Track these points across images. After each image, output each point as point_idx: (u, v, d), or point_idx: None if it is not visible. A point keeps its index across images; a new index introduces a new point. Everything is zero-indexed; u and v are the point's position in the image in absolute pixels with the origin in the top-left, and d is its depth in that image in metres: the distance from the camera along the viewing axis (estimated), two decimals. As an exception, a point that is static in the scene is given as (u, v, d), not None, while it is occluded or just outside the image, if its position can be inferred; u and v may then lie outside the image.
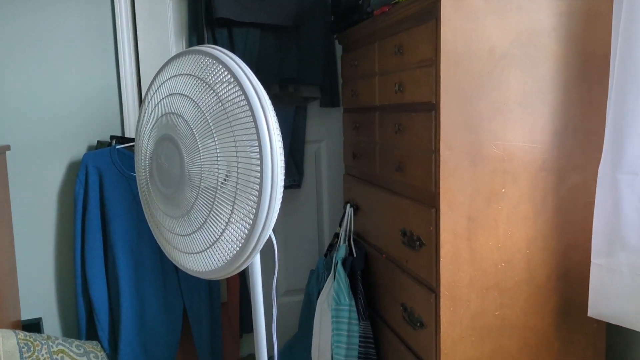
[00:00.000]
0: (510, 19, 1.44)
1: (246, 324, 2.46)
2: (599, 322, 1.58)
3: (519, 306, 1.54)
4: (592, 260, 1.48)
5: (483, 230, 1.50)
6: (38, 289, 2.24)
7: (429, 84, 1.47)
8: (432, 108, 1.47)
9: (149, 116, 1.29)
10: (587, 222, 1.53)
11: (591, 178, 1.52)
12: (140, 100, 2.31)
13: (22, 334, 1.86)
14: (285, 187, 2.48)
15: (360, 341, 1.93)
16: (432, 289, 1.53)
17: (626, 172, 1.39)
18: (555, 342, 1.57)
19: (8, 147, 2.11)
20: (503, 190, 1.50)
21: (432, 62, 1.45)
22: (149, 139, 1.30)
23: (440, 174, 1.46)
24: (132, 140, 2.18)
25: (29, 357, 1.81)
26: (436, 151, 1.47)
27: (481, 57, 1.44)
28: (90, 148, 2.24)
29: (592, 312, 1.49)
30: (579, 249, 1.56)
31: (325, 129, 2.59)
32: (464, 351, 1.52)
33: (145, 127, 1.31)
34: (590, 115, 1.52)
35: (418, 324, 1.61)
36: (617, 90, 1.39)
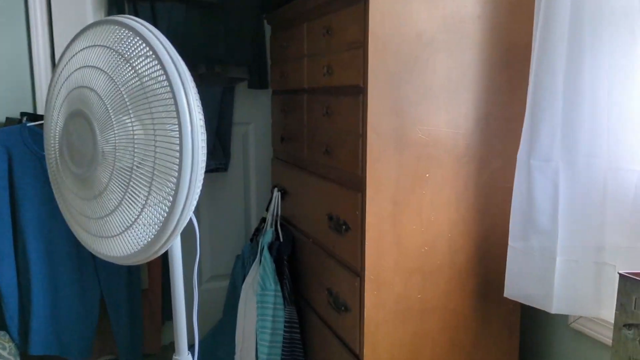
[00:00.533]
0: (438, 4, 1.45)
1: (169, 312, 2.39)
2: (514, 302, 1.64)
3: (440, 289, 1.57)
4: (509, 243, 1.53)
5: (407, 215, 1.51)
6: (-62, 277, 2.07)
7: (357, 67, 1.46)
8: (359, 91, 1.46)
9: (60, 90, 1.20)
10: (506, 207, 1.58)
11: (510, 164, 1.56)
12: (55, 76, 2.16)
13: None
14: (212, 170, 2.43)
15: (285, 326, 1.91)
16: (357, 273, 1.53)
17: (539, 159, 1.44)
18: (473, 323, 1.62)
19: None
20: (427, 175, 1.51)
21: (361, 44, 1.44)
22: (59, 115, 1.21)
23: (367, 158, 1.45)
24: (43, 117, 2.05)
25: None
26: (363, 135, 1.46)
27: (409, 41, 1.44)
28: (-2, 125, 2.08)
29: (507, 293, 1.54)
30: (498, 233, 1.60)
31: (254, 111, 2.54)
32: (387, 334, 1.53)
33: (55, 102, 1.22)
34: (512, 102, 1.56)
35: (343, 308, 1.61)
36: (534, 79, 1.43)
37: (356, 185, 1.52)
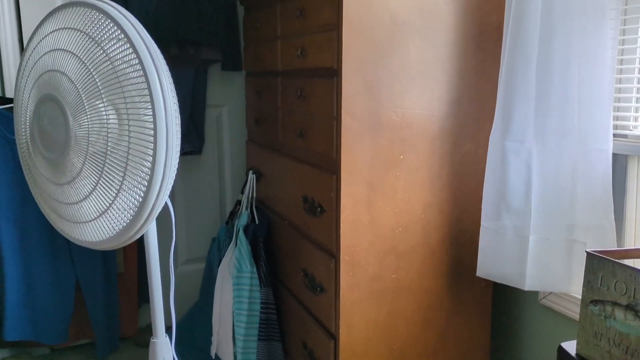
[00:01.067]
0: (411, -14, 1.45)
1: (144, 295, 2.39)
2: (486, 281, 1.69)
3: (414, 269, 1.60)
4: (482, 223, 1.56)
5: (382, 196, 1.53)
6: None
7: (331, 50, 1.46)
8: (333, 74, 1.47)
9: (29, 74, 1.18)
10: (478, 187, 1.61)
11: (483, 146, 1.59)
12: (23, 57, 2.11)
13: None
14: (186, 153, 2.41)
15: (261, 307, 1.93)
16: (332, 254, 1.55)
17: (513, 140, 1.47)
18: (446, 302, 1.66)
19: None
20: (401, 157, 1.53)
21: (335, 27, 1.44)
22: (29, 99, 1.19)
23: (342, 140, 1.46)
24: (13, 100, 2.00)
25: None
26: (337, 118, 1.47)
27: (383, 23, 1.44)
28: (-36, 108, 2.02)
29: (480, 272, 1.58)
30: (470, 213, 1.64)
31: (227, 94, 2.52)
32: (362, 314, 1.56)
33: (25, 86, 1.20)
34: (484, 84, 1.59)
35: (318, 289, 1.64)
36: (507, 61, 1.45)
37: (331, 167, 1.53)
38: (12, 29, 2.07)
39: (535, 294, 1.70)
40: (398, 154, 1.52)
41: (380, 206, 1.53)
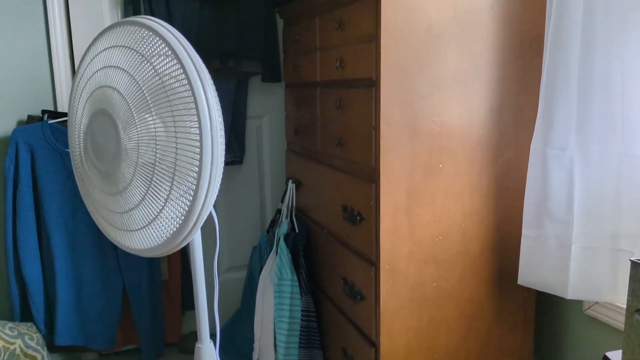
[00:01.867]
0: (449, -4, 1.46)
1: (188, 302, 2.44)
2: (529, 290, 1.67)
3: (454, 277, 1.60)
4: (523, 231, 1.55)
5: (421, 205, 1.54)
6: (-34, 271, 2.14)
7: (370, 60, 1.48)
8: (372, 84, 1.49)
9: (83, 89, 1.24)
10: (519, 195, 1.60)
11: (523, 154, 1.58)
12: (74, 73, 2.21)
13: (-51, 318, 1.77)
14: (227, 163, 2.46)
15: (302, 315, 1.95)
16: (372, 262, 1.57)
17: (554, 148, 1.45)
18: (488, 311, 1.65)
19: None
20: (440, 166, 1.54)
21: (373, 37, 1.46)
22: (82, 113, 1.25)
23: (380, 149, 1.48)
24: (65, 114, 2.09)
25: (-42, 341, 1.73)
26: (376, 127, 1.49)
27: (420, 33, 1.46)
28: (20, 123, 2.13)
29: (521, 280, 1.57)
30: (511, 222, 1.62)
31: (267, 105, 2.57)
32: (403, 322, 1.56)
33: (79, 101, 1.26)
34: (524, 93, 1.58)
35: (358, 297, 1.65)
36: (548, 69, 1.44)
37: (370, 176, 1.55)
38: (64, 49, 2.17)
39: (579, 303, 1.67)
40: (437, 162, 1.53)
41: (419, 214, 1.54)
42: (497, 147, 1.58)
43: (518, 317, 1.69)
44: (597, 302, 1.58)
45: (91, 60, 1.21)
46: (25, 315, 2.12)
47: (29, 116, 2.11)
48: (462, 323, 1.62)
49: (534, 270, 1.54)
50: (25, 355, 1.88)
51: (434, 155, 1.53)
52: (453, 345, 1.62)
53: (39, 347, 1.94)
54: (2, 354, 1.83)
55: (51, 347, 2.15)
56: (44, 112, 2.09)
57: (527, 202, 1.54)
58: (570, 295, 1.46)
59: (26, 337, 1.92)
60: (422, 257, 1.56)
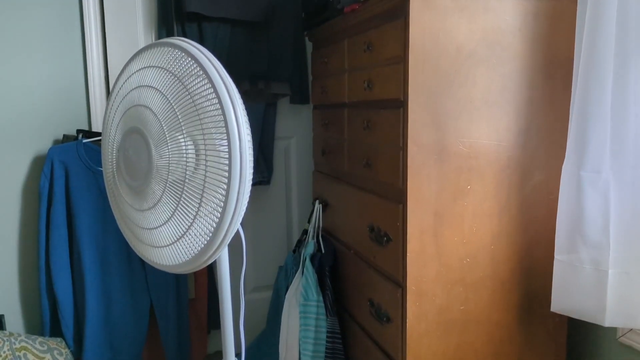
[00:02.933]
0: (477, 18, 1.47)
1: (214, 321, 2.45)
2: (560, 316, 1.63)
3: (483, 301, 1.57)
4: (555, 256, 1.51)
5: (449, 226, 1.52)
6: (0, 285, 2.19)
7: (398, 81, 1.49)
8: (400, 105, 1.49)
9: (117, 107, 1.27)
10: (549, 218, 1.57)
11: (554, 176, 1.56)
12: (108, 94, 2.27)
13: (-18, 331, 1.81)
14: (254, 183, 2.48)
15: (327, 336, 1.94)
16: (399, 284, 1.55)
17: (589, 170, 1.43)
18: (518, 337, 1.61)
19: (-31, 140, 2.05)
20: (469, 187, 1.52)
21: (401, 59, 1.47)
22: (116, 131, 1.28)
23: (408, 170, 1.48)
24: (99, 134, 2.15)
25: (-10, 354, 1.77)
26: (404, 148, 1.49)
27: (449, 55, 1.46)
28: (56, 142, 2.19)
29: (555, 307, 1.53)
30: (541, 245, 1.60)
31: (295, 126, 2.60)
32: (430, 345, 1.54)
33: (113, 119, 1.30)
34: (553, 114, 1.56)
35: (385, 319, 1.63)
36: (580, 91, 1.43)
37: (397, 197, 1.55)
38: (99, 71, 2.24)
39: (613, 330, 1.62)
40: (465, 183, 1.52)
41: (447, 236, 1.52)
42: (527, 168, 1.56)
43: (549, 343, 1.64)
44: (631, 329, 1.53)
45: (126, 80, 1.24)
46: (55, 330, 2.15)
47: (64, 135, 2.17)
48: (490, 348, 1.59)
49: (568, 296, 1.50)
50: (54, 370, 1.91)
51: (462, 177, 1.52)
52: (481, 371, 1.59)
53: (67, 363, 1.97)
54: (32, 368, 1.86)
55: (79, 363, 2.17)
56: (78, 131, 2.15)
57: (559, 226, 1.51)
58: (607, 322, 1.41)
59: (55, 352, 1.94)
60: (450, 279, 1.54)
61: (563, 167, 1.49)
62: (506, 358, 1.61)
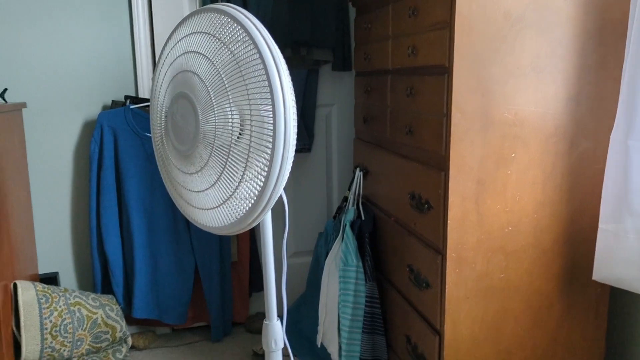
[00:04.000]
0: (527, -18, 1.43)
1: (255, 284, 2.52)
2: (602, 286, 1.61)
3: (523, 269, 1.57)
4: (599, 225, 1.49)
5: (491, 194, 1.52)
6: (54, 245, 2.30)
7: (443, 47, 1.47)
8: (444, 71, 1.48)
9: (165, 73, 1.31)
10: (595, 188, 1.54)
11: (602, 145, 1.52)
12: (154, 61, 2.32)
13: (40, 286, 1.92)
14: (296, 150, 2.50)
15: (366, 301, 1.98)
16: (439, 251, 1.56)
17: (637, 139, 1.39)
18: (558, 305, 1.61)
19: (24, 105, 2.14)
20: (513, 155, 1.51)
21: (447, 24, 1.45)
22: (164, 96, 1.32)
23: (451, 137, 1.47)
24: (146, 100, 2.20)
25: (47, 307, 1.87)
26: (447, 115, 1.48)
27: (496, 20, 1.43)
28: (105, 107, 2.26)
29: (596, 276, 1.52)
30: (585, 214, 1.57)
31: (337, 93, 2.60)
32: (468, 311, 1.55)
33: (162, 84, 1.33)
34: (605, 81, 1.52)
35: (424, 285, 1.65)
36: (632, 57, 1.38)
37: (439, 164, 1.55)
38: (146, 38, 2.28)
39: (657, 302, 1.60)
40: (509, 151, 1.50)
41: (489, 204, 1.52)
42: (574, 137, 1.53)
43: (589, 313, 1.63)
44: (677, 301, 1.51)
45: (174, 46, 1.27)
46: (106, 288, 2.26)
47: (113, 101, 2.24)
48: (529, 315, 1.59)
49: (612, 265, 1.48)
50: (106, 324, 2.01)
51: (507, 144, 1.50)
52: (519, 338, 1.60)
53: (118, 318, 2.07)
54: (86, 322, 1.96)
55: (128, 319, 2.28)
56: (126, 97, 2.20)
57: (605, 195, 1.48)
58: (649, 292, 1.40)
59: (107, 308, 2.04)
60: (491, 247, 1.54)
61: (611, 135, 1.46)
62: (545, 326, 1.61)
